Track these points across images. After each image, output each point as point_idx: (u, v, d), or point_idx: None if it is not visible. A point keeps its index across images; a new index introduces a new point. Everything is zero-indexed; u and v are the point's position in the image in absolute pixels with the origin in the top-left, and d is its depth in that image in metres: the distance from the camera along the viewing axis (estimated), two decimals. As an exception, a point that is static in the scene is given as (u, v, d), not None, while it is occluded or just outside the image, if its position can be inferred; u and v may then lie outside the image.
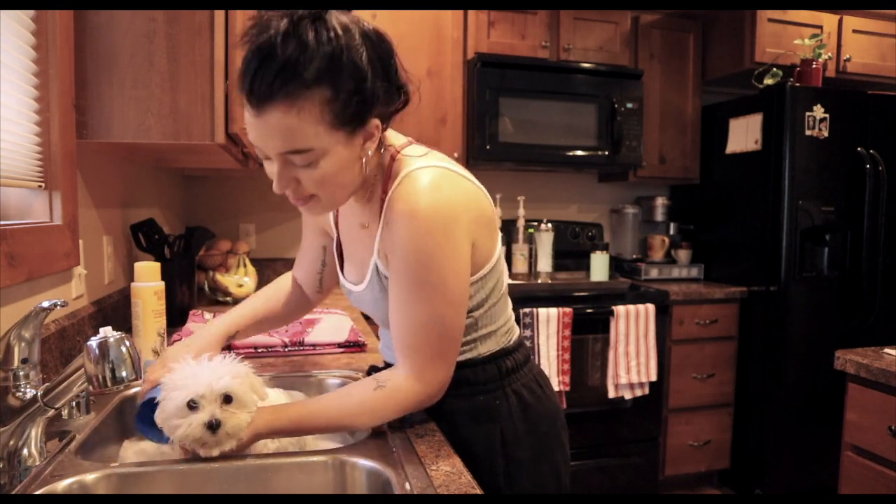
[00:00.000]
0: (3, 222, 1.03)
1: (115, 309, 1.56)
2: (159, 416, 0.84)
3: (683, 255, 3.12)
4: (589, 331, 2.56)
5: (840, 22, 2.98)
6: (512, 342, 1.05)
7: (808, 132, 2.63)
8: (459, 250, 0.89)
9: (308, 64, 0.75)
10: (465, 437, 0.98)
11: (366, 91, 0.80)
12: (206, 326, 1.12)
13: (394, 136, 0.97)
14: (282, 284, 1.24)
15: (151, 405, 0.86)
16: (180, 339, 1.43)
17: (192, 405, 0.82)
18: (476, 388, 1.00)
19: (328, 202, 0.89)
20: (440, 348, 0.90)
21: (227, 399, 0.84)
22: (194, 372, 0.85)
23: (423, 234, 0.85)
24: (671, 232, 3.26)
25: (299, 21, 0.76)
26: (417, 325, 0.89)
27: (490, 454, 0.99)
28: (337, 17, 0.79)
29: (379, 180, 0.93)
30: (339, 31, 0.77)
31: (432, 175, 0.88)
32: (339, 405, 0.91)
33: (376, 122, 0.85)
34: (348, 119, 0.80)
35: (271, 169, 0.84)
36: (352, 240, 1.03)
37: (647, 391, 2.61)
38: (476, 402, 1.00)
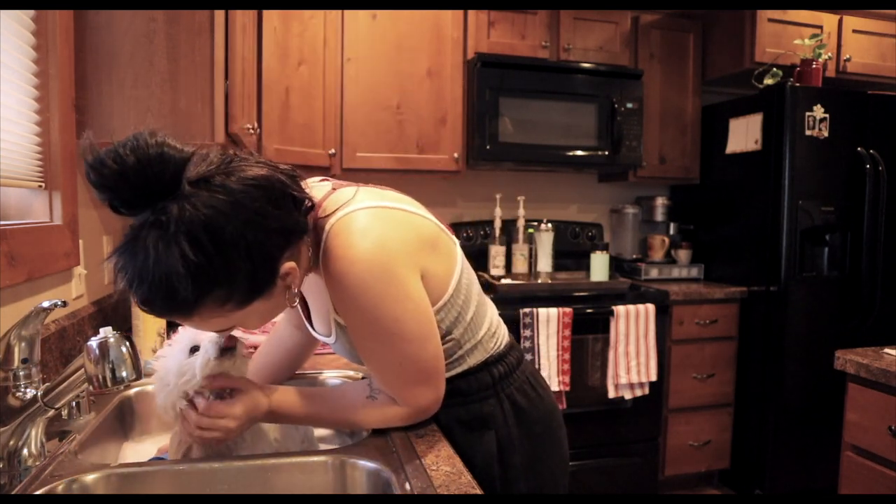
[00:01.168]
0: (3, 222, 1.03)
1: (115, 309, 1.56)
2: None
3: (683, 255, 3.12)
4: (589, 331, 2.56)
5: (840, 22, 2.98)
6: (502, 346, 1.03)
7: (808, 132, 2.63)
8: (407, 288, 0.85)
9: (183, 291, 0.70)
10: (461, 446, 0.98)
11: (265, 264, 0.76)
12: None
13: (315, 190, 0.90)
14: (282, 341, 1.20)
15: None
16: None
17: (194, 349, 0.89)
18: (470, 397, 0.99)
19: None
20: (418, 378, 0.90)
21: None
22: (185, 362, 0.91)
23: (363, 286, 0.82)
24: (671, 232, 3.26)
25: (159, 239, 0.69)
26: (388, 367, 0.90)
27: (487, 461, 0.98)
28: (205, 200, 0.70)
29: (314, 249, 0.88)
30: (203, 240, 0.69)
31: (357, 221, 0.84)
32: (332, 403, 0.95)
33: (289, 265, 0.80)
34: (256, 292, 0.77)
35: None
36: (311, 293, 1.00)
37: (647, 391, 2.61)
38: (471, 411, 0.99)
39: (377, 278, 0.83)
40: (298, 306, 0.98)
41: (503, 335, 1.06)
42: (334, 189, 0.92)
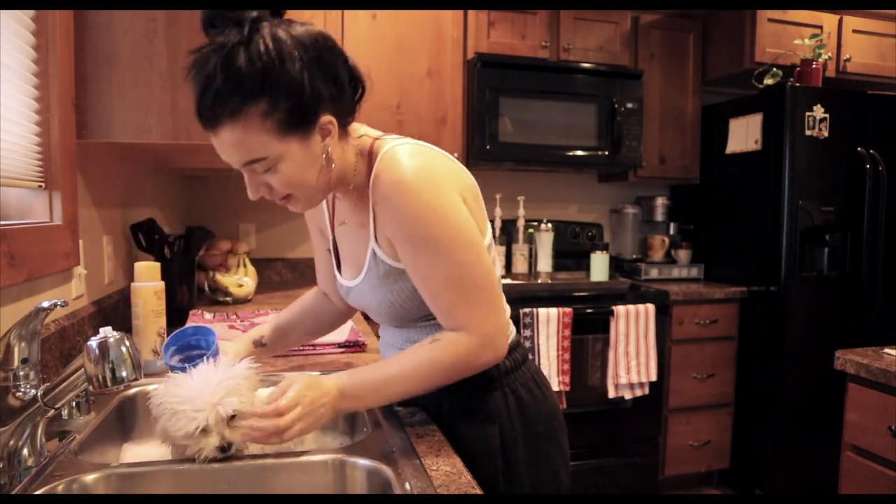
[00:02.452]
0: (3, 222, 1.03)
1: (115, 309, 1.56)
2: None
3: (683, 255, 3.12)
4: (589, 331, 2.56)
5: (840, 22, 2.98)
6: (510, 341, 1.04)
7: (808, 132, 2.63)
8: (454, 203, 0.91)
9: (241, 85, 0.80)
10: (464, 439, 0.98)
11: (305, 96, 0.83)
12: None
13: (368, 130, 1.00)
14: (305, 297, 1.27)
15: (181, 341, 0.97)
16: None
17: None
18: (474, 388, 1.00)
19: (305, 200, 0.93)
20: (477, 297, 0.91)
21: (233, 416, 0.85)
22: (198, 390, 0.86)
23: (415, 196, 0.88)
24: (671, 232, 3.26)
25: (232, 48, 0.80)
26: (444, 284, 0.90)
27: (489, 455, 0.98)
28: (269, 32, 0.82)
29: (361, 171, 0.96)
30: (270, 47, 0.81)
31: (409, 148, 0.92)
32: (401, 363, 0.93)
33: (328, 118, 0.87)
34: (294, 125, 0.84)
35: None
36: (347, 238, 1.05)
37: (647, 391, 2.61)
38: (474, 403, 1.00)
39: (428, 188, 0.89)
40: (331, 251, 1.09)
41: (512, 333, 1.07)
42: (385, 134, 1.01)
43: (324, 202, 1.11)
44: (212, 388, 0.85)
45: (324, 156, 0.89)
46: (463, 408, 1.00)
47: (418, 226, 0.89)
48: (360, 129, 0.99)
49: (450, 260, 0.89)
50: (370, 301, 1.02)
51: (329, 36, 0.88)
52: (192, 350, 1.07)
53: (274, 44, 0.81)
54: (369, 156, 0.95)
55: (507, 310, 1.08)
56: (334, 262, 1.10)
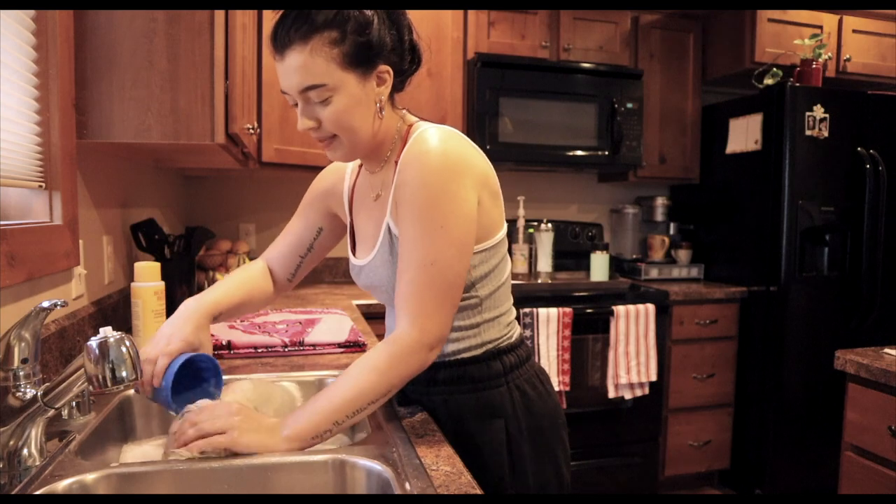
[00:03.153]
0: (3, 222, 1.03)
1: (115, 309, 1.56)
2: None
3: (683, 255, 3.12)
4: (589, 331, 2.56)
5: (840, 22, 2.98)
6: (514, 337, 1.07)
7: (808, 132, 2.63)
8: (465, 195, 0.92)
9: (317, 14, 0.88)
10: (471, 434, 1.00)
11: (371, 36, 0.91)
12: (188, 305, 1.04)
13: (410, 116, 1.05)
14: (252, 271, 1.19)
15: (181, 372, 0.92)
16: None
17: None
18: (480, 384, 1.01)
19: (348, 146, 0.96)
20: (439, 293, 0.91)
21: None
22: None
23: (432, 172, 0.90)
24: (671, 232, 3.26)
25: None
26: (420, 266, 0.90)
27: (495, 449, 1.00)
28: None
29: (396, 147, 1.00)
30: None
31: (444, 130, 0.96)
32: (347, 382, 0.89)
33: (386, 67, 0.94)
34: (357, 60, 0.90)
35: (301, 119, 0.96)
36: (365, 217, 1.07)
37: (647, 391, 2.61)
38: (481, 398, 1.01)
39: (447, 170, 0.91)
40: (348, 233, 1.12)
41: (517, 328, 1.09)
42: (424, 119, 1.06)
43: (346, 182, 1.13)
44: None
45: (377, 104, 0.95)
46: (469, 404, 1.01)
47: (423, 202, 0.90)
48: (405, 115, 1.04)
49: (433, 245, 0.90)
50: (381, 278, 1.02)
51: (404, 12, 0.97)
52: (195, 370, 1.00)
53: None
54: (405, 136, 0.99)
55: (513, 312, 1.09)
56: (349, 244, 1.12)
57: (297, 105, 0.96)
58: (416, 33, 0.99)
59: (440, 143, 0.93)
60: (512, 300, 1.09)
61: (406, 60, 0.98)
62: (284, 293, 1.25)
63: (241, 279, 1.16)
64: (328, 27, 0.88)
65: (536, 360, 2.42)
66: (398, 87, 0.99)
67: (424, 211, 0.90)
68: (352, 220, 1.12)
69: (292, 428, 0.86)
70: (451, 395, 1.02)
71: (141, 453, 1.04)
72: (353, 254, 1.12)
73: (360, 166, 1.12)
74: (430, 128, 0.97)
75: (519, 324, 2.50)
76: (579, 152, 2.77)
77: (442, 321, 0.92)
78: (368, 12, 0.91)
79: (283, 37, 0.89)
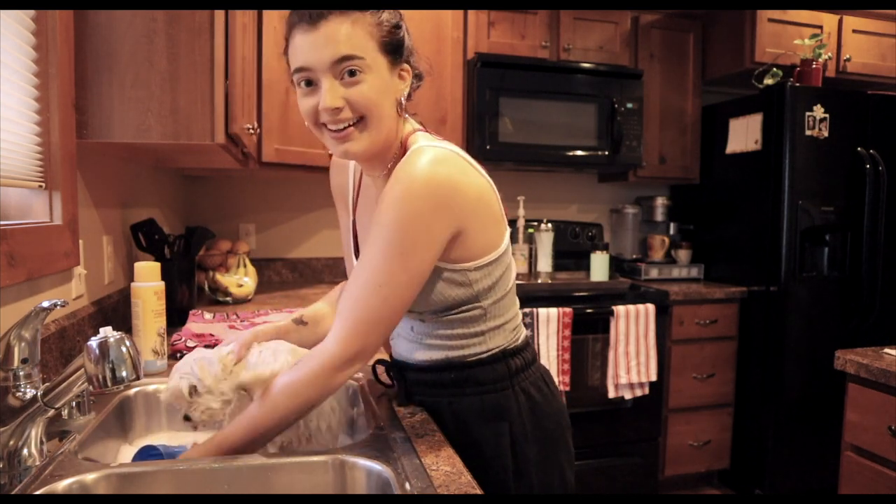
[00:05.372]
0: (3, 222, 1.03)
1: (115, 309, 1.56)
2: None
3: (683, 255, 3.12)
4: (589, 331, 2.56)
5: (840, 22, 2.98)
6: (520, 341, 1.06)
7: (808, 132, 2.63)
8: (437, 230, 0.90)
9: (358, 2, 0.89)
10: (476, 436, 0.99)
11: (402, 33, 0.94)
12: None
13: (414, 122, 1.04)
14: (333, 293, 1.24)
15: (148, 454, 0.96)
16: (180, 339, 1.43)
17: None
18: (486, 387, 1.01)
19: (374, 130, 0.92)
20: (378, 316, 0.90)
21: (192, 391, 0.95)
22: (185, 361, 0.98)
23: (410, 197, 0.88)
24: (671, 232, 3.26)
25: None
26: (367, 285, 0.89)
27: (500, 452, 0.99)
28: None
29: (398, 154, 0.98)
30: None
31: (438, 153, 0.91)
32: (268, 409, 0.91)
33: (408, 67, 0.96)
34: (390, 48, 0.92)
35: (309, 103, 0.91)
36: (366, 221, 1.07)
37: (647, 391, 2.61)
38: (486, 401, 1.01)
39: (427, 198, 0.88)
40: (350, 238, 1.12)
41: (522, 332, 1.09)
42: (428, 130, 1.04)
43: (350, 182, 1.13)
44: (185, 361, 0.96)
45: (398, 97, 0.95)
46: (475, 406, 1.01)
47: (390, 222, 0.88)
48: (408, 121, 1.03)
49: (388, 269, 0.88)
50: None
51: None
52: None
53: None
54: (405, 145, 0.98)
55: (519, 316, 1.08)
56: (353, 246, 1.12)
57: (309, 88, 0.91)
58: (416, 53, 1.01)
59: (430, 166, 0.89)
60: (517, 304, 1.08)
61: (416, 69, 1.00)
62: None
63: (325, 300, 1.23)
64: (368, 9, 0.90)
65: (538, 358, 2.42)
66: (409, 92, 0.99)
67: (390, 233, 0.88)
68: (355, 220, 1.12)
69: (219, 440, 0.91)
70: (456, 398, 1.01)
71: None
72: (356, 256, 1.11)
73: None
74: (426, 146, 0.92)
75: (519, 324, 2.49)
76: (579, 152, 2.77)
77: (370, 342, 0.90)
78: (398, 17, 0.94)
79: (317, 9, 0.87)
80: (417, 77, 1.01)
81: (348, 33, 0.87)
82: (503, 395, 1.01)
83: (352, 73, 0.88)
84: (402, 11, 0.97)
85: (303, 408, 0.92)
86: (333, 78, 0.88)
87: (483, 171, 0.99)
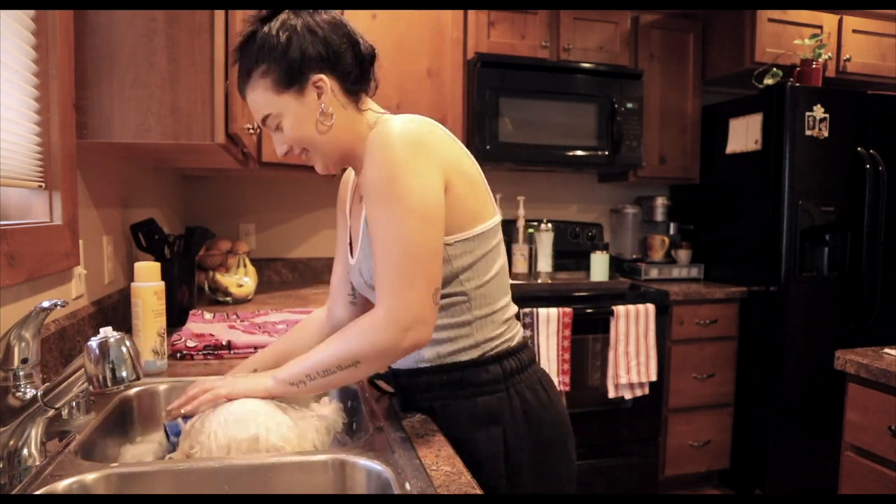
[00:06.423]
0: (3, 222, 1.03)
1: (115, 309, 1.56)
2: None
3: (683, 255, 3.12)
4: (589, 331, 2.56)
5: (840, 22, 2.98)
6: (516, 340, 1.04)
7: (808, 132, 2.63)
8: (425, 171, 0.91)
9: (246, 57, 0.97)
10: (468, 440, 0.97)
11: (291, 56, 0.94)
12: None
13: (375, 113, 1.06)
14: (310, 317, 1.26)
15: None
16: (180, 339, 1.43)
17: None
18: (479, 388, 0.99)
19: (320, 157, 1.01)
20: (406, 268, 0.89)
21: None
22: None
23: (389, 148, 0.91)
24: (671, 232, 3.26)
25: (251, 31, 0.98)
26: (384, 243, 0.90)
27: (492, 457, 0.98)
28: (283, 17, 0.96)
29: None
30: (275, 26, 0.95)
31: (407, 117, 0.97)
32: (321, 347, 0.96)
33: (320, 76, 0.96)
34: (286, 82, 0.95)
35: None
36: (355, 219, 1.09)
37: (646, 391, 2.61)
38: (479, 404, 0.99)
39: (405, 147, 0.91)
40: (347, 239, 1.13)
41: (519, 332, 1.07)
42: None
43: (349, 190, 1.14)
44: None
45: (319, 111, 0.97)
46: (467, 408, 0.99)
47: (379, 179, 0.90)
48: (374, 108, 1.05)
49: (394, 220, 0.89)
50: (367, 273, 1.02)
51: (336, 14, 1.00)
52: None
53: (279, 24, 0.95)
54: (373, 129, 1.00)
55: (514, 309, 1.07)
56: (349, 247, 1.12)
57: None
58: (352, 29, 1.00)
59: (400, 124, 0.94)
60: (508, 297, 1.06)
61: (346, 62, 0.98)
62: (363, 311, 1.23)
63: (291, 335, 1.25)
64: (256, 64, 0.96)
65: (536, 360, 2.42)
66: (353, 89, 1.00)
67: (382, 187, 0.90)
68: (351, 225, 1.12)
69: (275, 376, 0.97)
70: (449, 401, 1.00)
71: (141, 453, 1.04)
72: (351, 255, 1.11)
73: None
74: (392, 117, 0.98)
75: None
76: (579, 152, 2.77)
77: (413, 299, 0.88)
78: (282, 36, 0.95)
79: (240, 84, 1.00)
80: (358, 61, 1.00)
81: (253, 99, 0.98)
82: (497, 398, 0.99)
83: (274, 122, 0.99)
84: (295, 12, 0.97)
85: (352, 358, 0.92)
86: (271, 131, 1.01)
87: (459, 142, 1.03)
